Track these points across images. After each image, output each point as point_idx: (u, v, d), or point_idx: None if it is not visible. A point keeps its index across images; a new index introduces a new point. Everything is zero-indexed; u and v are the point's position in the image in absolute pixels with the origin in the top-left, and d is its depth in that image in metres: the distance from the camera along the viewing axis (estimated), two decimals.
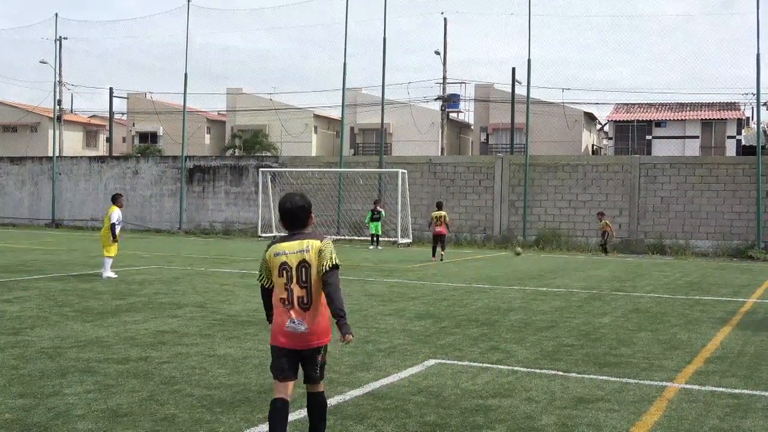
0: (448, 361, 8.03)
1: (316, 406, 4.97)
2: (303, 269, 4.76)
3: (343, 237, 30.19)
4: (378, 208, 27.12)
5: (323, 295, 4.78)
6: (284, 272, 4.77)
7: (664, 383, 7.21)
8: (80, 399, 6.24)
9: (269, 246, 4.90)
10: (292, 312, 4.74)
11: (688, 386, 7.12)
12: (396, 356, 8.22)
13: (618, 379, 7.35)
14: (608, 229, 26.32)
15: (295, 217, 4.86)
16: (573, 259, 23.47)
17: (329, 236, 4.67)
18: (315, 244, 4.80)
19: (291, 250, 4.79)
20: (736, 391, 6.98)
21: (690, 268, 20.87)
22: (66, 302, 11.84)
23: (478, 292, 14.24)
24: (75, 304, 11.71)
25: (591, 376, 7.46)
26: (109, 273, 15.36)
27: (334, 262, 4.79)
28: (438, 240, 21.65)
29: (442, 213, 21.70)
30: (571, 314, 11.61)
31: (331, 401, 6.34)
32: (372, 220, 26.92)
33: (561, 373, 7.57)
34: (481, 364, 7.90)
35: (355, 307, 11.93)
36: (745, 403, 6.56)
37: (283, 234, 4.99)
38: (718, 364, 8.11)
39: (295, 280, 4.76)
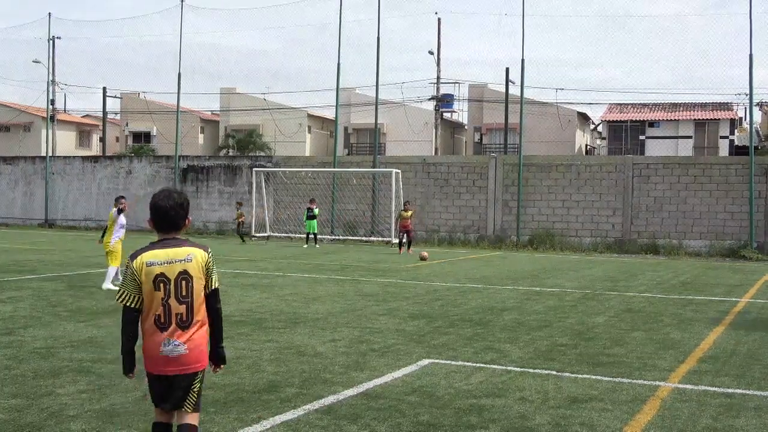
0: (442, 361, 8.04)
1: None
2: (183, 282, 4.09)
3: (337, 237, 30.18)
4: (313, 207, 27.09)
5: (203, 313, 4.18)
6: (161, 285, 4.05)
7: (658, 383, 7.23)
8: (73, 399, 6.23)
9: (135, 255, 4.11)
10: (168, 332, 4.06)
11: (681, 386, 7.14)
12: (390, 356, 8.22)
13: (611, 378, 7.37)
14: (242, 219, 28.55)
15: (172, 218, 4.15)
16: (566, 259, 23.51)
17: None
18: (199, 254, 4.17)
19: (168, 258, 4.09)
20: (729, 390, 7.00)
21: (683, 268, 20.93)
22: (59, 302, 11.81)
23: (472, 292, 14.25)
24: (68, 304, 11.67)
25: (584, 375, 7.48)
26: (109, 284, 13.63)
27: (217, 285, 4.25)
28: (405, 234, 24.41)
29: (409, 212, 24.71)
30: (564, 314, 11.63)
31: (325, 401, 6.35)
32: (307, 218, 26.97)
33: (555, 372, 7.58)
34: (474, 364, 7.91)
35: (349, 306, 11.94)
36: (738, 403, 6.58)
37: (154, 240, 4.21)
38: (711, 364, 8.14)
39: (173, 294, 4.07)
